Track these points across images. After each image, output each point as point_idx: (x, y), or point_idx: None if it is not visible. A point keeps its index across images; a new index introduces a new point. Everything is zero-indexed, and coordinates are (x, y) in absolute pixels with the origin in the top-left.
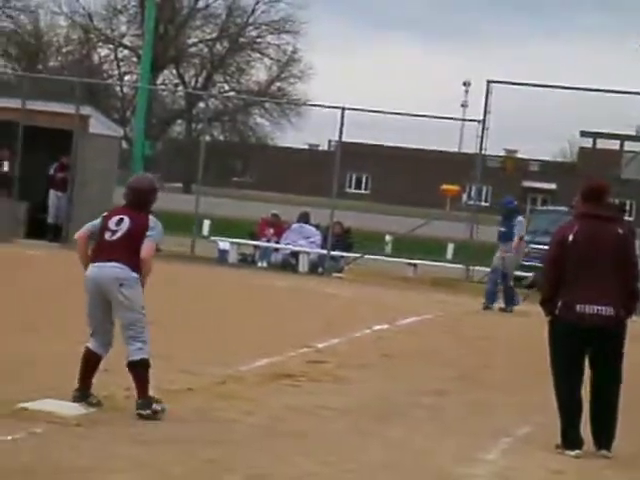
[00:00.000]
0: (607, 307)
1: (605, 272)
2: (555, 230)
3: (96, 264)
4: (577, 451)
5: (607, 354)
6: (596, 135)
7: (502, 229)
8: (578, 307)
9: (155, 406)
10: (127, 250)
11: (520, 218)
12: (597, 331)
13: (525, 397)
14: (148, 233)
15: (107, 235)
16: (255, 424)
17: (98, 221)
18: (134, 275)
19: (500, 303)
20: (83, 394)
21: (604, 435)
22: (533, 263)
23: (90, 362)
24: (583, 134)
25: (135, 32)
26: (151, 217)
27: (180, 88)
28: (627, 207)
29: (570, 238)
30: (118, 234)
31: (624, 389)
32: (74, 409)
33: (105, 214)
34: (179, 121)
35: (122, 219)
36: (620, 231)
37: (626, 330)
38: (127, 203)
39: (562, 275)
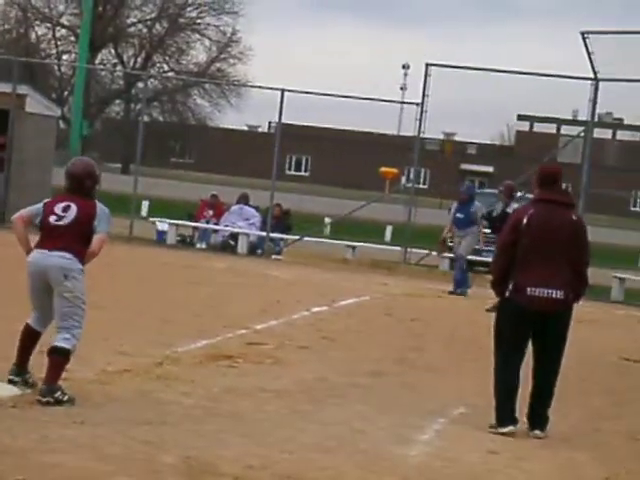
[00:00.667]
0: (557, 290)
1: (557, 257)
2: (511, 214)
3: (41, 250)
4: (510, 427)
5: (553, 337)
6: (533, 119)
7: (459, 215)
8: (529, 290)
9: (59, 395)
10: (74, 238)
11: (478, 204)
12: (546, 314)
13: (460, 379)
14: (96, 224)
15: (52, 219)
16: (192, 405)
17: (38, 206)
18: (79, 266)
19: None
20: (20, 368)
21: (539, 416)
22: None
23: (28, 338)
24: (520, 117)
25: (73, 11)
26: (99, 205)
27: (119, 68)
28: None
29: (524, 221)
30: (65, 220)
31: (563, 370)
32: (9, 390)
33: (46, 200)
34: (118, 101)
35: (69, 206)
36: (574, 217)
37: (572, 314)
38: (68, 189)
39: (514, 258)
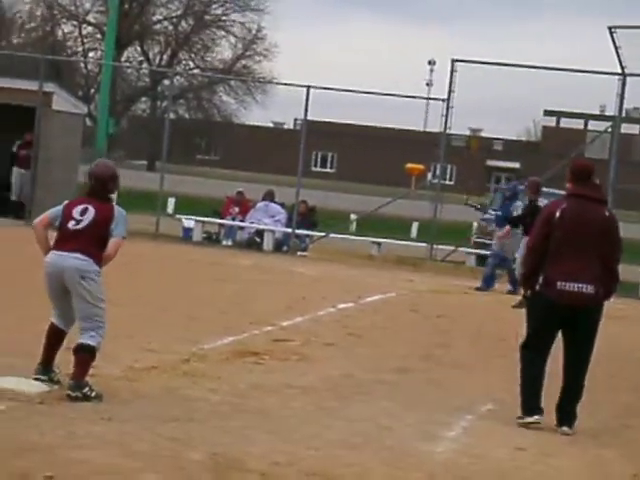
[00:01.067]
0: (588, 285)
1: (588, 251)
2: (543, 207)
3: (58, 252)
4: (536, 417)
5: (582, 332)
6: (560, 114)
7: (499, 213)
8: (559, 284)
9: (87, 390)
10: (91, 241)
11: (519, 203)
12: (575, 309)
13: (487, 376)
14: (113, 228)
15: (71, 224)
16: (219, 402)
17: (59, 208)
18: (96, 268)
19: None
20: (46, 368)
21: (567, 412)
22: None
23: (54, 336)
24: (547, 113)
25: (99, 9)
26: (116, 208)
27: (145, 65)
28: None
29: (557, 215)
30: (83, 224)
31: (592, 367)
32: (37, 387)
33: (67, 202)
34: (144, 98)
35: (87, 208)
36: (607, 213)
37: (603, 310)
38: (90, 191)
39: (546, 252)
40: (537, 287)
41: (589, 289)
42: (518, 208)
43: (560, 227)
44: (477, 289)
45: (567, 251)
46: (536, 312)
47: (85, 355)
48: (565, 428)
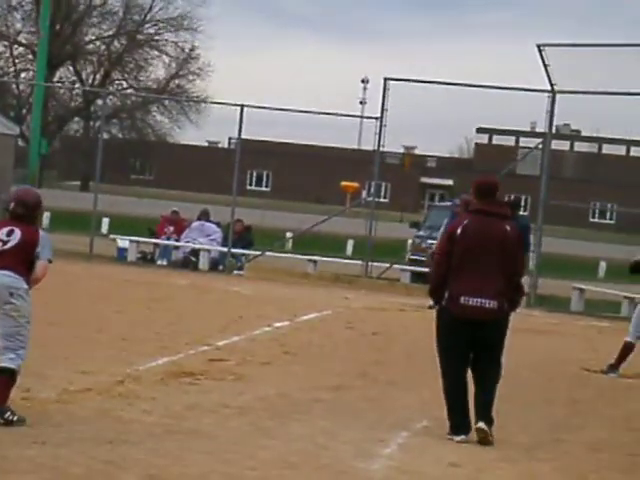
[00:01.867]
0: (490, 300)
1: (490, 266)
2: (447, 225)
3: None
4: (462, 436)
5: (488, 345)
6: (492, 131)
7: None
8: (462, 299)
9: (9, 415)
10: (19, 260)
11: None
12: (480, 323)
13: (422, 392)
14: (39, 251)
15: None
16: (154, 423)
17: None
18: (25, 286)
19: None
20: None
21: (482, 411)
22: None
23: None
24: (479, 130)
25: (30, 29)
26: (41, 232)
27: (77, 85)
28: (523, 202)
29: (458, 231)
30: (10, 244)
31: (525, 381)
32: None
33: None
34: (76, 119)
35: (13, 230)
36: (508, 228)
37: (508, 322)
38: (14, 215)
39: (450, 267)
40: (443, 302)
41: (492, 304)
42: None
43: (462, 243)
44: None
45: (470, 266)
46: (443, 327)
47: (5, 378)
48: (481, 423)
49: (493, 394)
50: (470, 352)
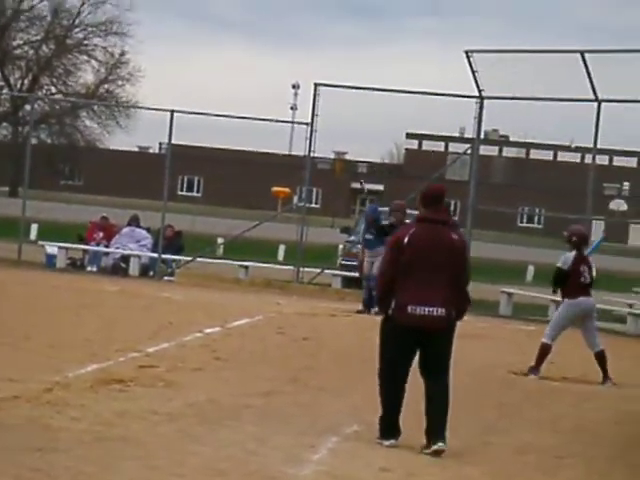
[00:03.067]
0: (438, 308)
1: (438, 274)
2: (393, 233)
3: None
4: (392, 441)
5: (436, 354)
6: (422, 137)
7: (368, 236)
8: (409, 308)
9: None
10: None
11: (385, 222)
12: (427, 332)
13: (354, 398)
14: None
15: None
16: (83, 430)
17: None
18: None
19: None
20: None
21: (438, 431)
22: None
23: None
24: (409, 136)
25: None
26: None
27: (5, 90)
28: (452, 207)
29: (405, 240)
30: None
31: (452, 385)
32: None
33: None
34: (4, 124)
35: None
36: (455, 236)
37: (455, 330)
38: None
39: (396, 276)
40: (389, 312)
41: (439, 312)
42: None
43: (408, 252)
44: (358, 312)
45: (417, 275)
46: (389, 335)
47: None
48: (440, 444)
49: (447, 410)
50: (412, 361)
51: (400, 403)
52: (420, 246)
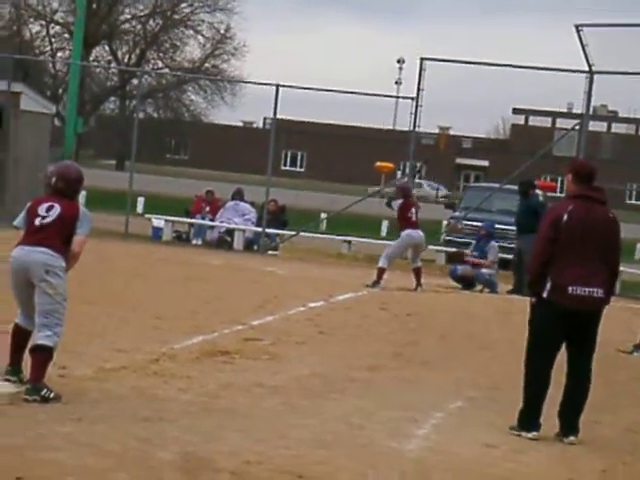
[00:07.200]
0: (598, 289)
1: (596, 254)
2: (548, 210)
3: (24, 247)
4: (534, 433)
5: (588, 338)
6: (528, 112)
7: (475, 253)
8: (570, 289)
9: (45, 392)
10: (56, 236)
11: (494, 243)
12: (583, 314)
13: (457, 373)
14: (78, 226)
15: (37, 220)
16: (189, 401)
17: (22, 215)
18: (61, 264)
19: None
20: (15, 368)
21: (573, 418)
22: (465, 240)
23: (19, 337)
24: (515, 111)
25: (67, 8)
26: (81, 208)
27: (113, 65)
28: (559, 184)
29: (564, 218)
30: (48, 219)
31: (560, 363)
32: (5, 387)
33: (29, 205)
34: (112, 98)
35: (52, 206)
36: (610, 215)
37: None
38: (55, 191)
39: (553, 256)
40: (545, 294)
41: (600, 293)
42: (492, 249)
43: (568, 231)
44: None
45: (576, 255)
46: (544, 319)
47: (42, 356)
48: (572, 438)
49: (586, 398)
50: (560, 348)
51: (544, 396)
52: (579, 224)
